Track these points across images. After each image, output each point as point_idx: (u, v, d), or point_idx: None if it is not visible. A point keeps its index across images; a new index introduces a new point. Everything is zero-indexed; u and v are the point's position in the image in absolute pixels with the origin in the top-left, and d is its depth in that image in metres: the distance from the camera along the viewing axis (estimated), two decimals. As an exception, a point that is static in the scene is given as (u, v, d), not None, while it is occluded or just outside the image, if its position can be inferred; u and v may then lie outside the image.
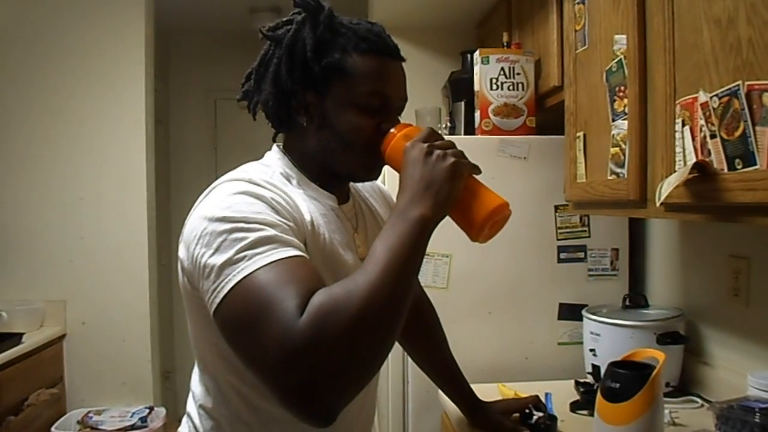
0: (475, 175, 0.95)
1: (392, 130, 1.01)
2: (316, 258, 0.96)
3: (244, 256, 0.82)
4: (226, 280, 0.82)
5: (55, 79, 3.05)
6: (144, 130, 3.11)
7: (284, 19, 1.06)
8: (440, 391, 1.52)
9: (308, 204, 1.01)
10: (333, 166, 1.05)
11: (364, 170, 1.07)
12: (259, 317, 0.78)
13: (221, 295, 0.82)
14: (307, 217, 0.98)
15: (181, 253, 0.93)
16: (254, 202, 0.89)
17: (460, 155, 0.92)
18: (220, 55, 4.16)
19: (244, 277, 0.81)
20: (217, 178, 0.99)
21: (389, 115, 1.04)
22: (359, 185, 1.21)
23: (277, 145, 1.11)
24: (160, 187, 3.56)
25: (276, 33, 1.04)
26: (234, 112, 4.21)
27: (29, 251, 3.03)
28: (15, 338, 2.66)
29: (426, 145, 0.91)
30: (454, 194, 0.90)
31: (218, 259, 0.84)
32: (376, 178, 1.11)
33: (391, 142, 1.00)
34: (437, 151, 0.90)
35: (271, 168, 1.04)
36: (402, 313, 0.82)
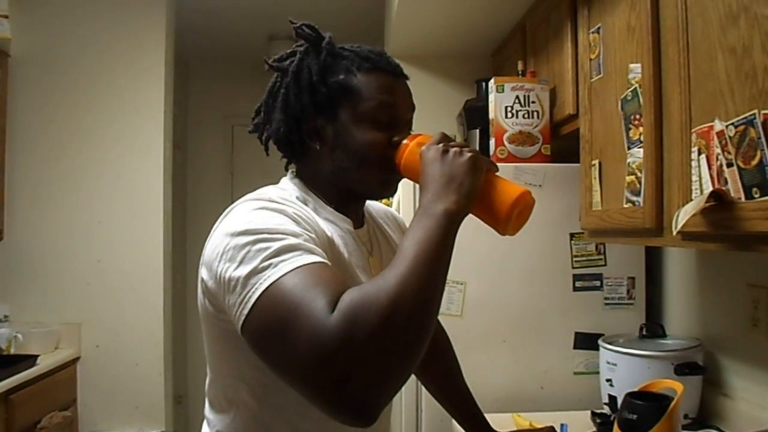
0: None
1: (405, 141, 1.02)
2: None
3: (270, 264, 0.82)
4: (253, 289, 0.82)
5: (75, 103, 3.10)
6: (162, 154, 3.15)
7: (288, 51, 1.09)
8: (454, 421, 1.50)
9: (327, 225, 1.02)
10: (350, 185, 1.06)
11: (381, 186, 1.08)
12: (290, 320, 0.77)
13: (249, 305, 0.81)
14: (328, 234, 0.99)
15: (203, 274, 0.94)
16: (275, 216, 0.90)
17: (476, 152, 0.93)
18: (238, 81, 4.22)
19: (271, 284, 0.81)
20: (232, 203, 1.00)
21: (400, 128, 1.05)
22: (373, 212, 1.22)
23: (291, 172, 1.12)
24: (177, 211, 3.59)
25: (282, 63, 1.07)
26: (250, 138, 4.19)
27: (46, 273, 3.06)
28: (29, 360, 2.67)
29: (441, 145, 0.93)
30: (476, 187, 0.90)
31: (243, 271, 0.83)
32: (393, 193, 1.12)
33: (405, 152, 1.00)
34: (453, 149, 0.92)
35: (287, 191, 1.06)
36: (434, 306, 0.82)
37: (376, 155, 1.03)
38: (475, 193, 0.90)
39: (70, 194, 3.09)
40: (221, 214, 0.99)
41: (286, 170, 1.14)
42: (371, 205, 1.24)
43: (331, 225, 1.03)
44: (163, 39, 3.17)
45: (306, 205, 1.04)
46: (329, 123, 1.04)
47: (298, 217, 0.92)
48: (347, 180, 1.06)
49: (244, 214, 0.91)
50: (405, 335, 0.77)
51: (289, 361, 0.78)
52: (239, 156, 4.47)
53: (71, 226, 3.08)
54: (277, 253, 0.83)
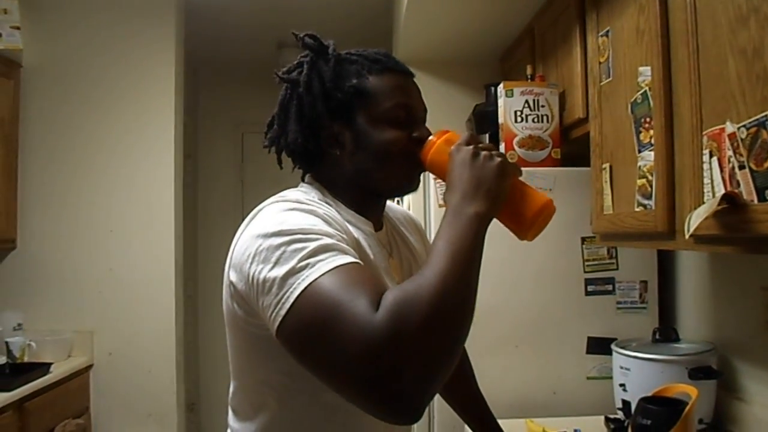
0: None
1: (431, 138, 1.03)
2: None
3: (307, 264, 0.82)
4: (291, 289, 0.81)
5: (86, 113, 3.13)
6: (173, 163, 3.17)
7: (295, 62, 1.09)
8: (467, 427, 1.50)
9: (350, 227, 1.02)
10: (375, 185, 1.07)
11: (406, 181, 1.08)
12: (333, 320, 0.77)
13: (287, 305, 0.81)
14: (355, 235, 0.99)
15: (232, 277, 0.92)
16: (307, 216, 0.90)
17: (504, 156, 0.94)
18: (248, 89, 4.24)
19: (310, 284, 0.80)
20: (243, 212, 1.00)
21: (418, 124, 1.06)
22: (391, 214, 1.22)
23: (309, 176, 1.12)
24: (188, 219, 3.61)
25: (291, 75, 1.08)
26: (261, 146, 4.26)
27: (59, 282, 3.08)
28: (43, 368, 2.69)
29: (472, 147, 0.93)
30: (504, 192, 0.92)
31: (279, 271, 0.83)
32: (417, 188, 1.11)
33: (432, 149, 1.01)
34: (484, 152, 0.92)
35: (310, 194, 1.05)
36: (472, 303, 0.83)
37: (398, 152, 1.04)
38: (503, 199, 0.92)
39: (83, 203, 3.11)
40: (232, 221, 0.99)
41: (303, 179, 1.14)
42: (389, 207, 1.24)
43: (353, 227, 1.03)
44: (173, 48, 3.20)
45: (331, 207, 1.03)
46: (346, 128, 1.04)
47: (328, 218, 0.93)
48: (371, 180, 1.06)
49: (275, 214, 0.91)
50: (449, 331, 0.78)
51: (334, 361, 0.77)
52: (250, 163, 4.49)
53: (83, 235, 3.10)
54: (314, 253, 0.83)
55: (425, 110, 1.10)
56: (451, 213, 0.88)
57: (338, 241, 0.87)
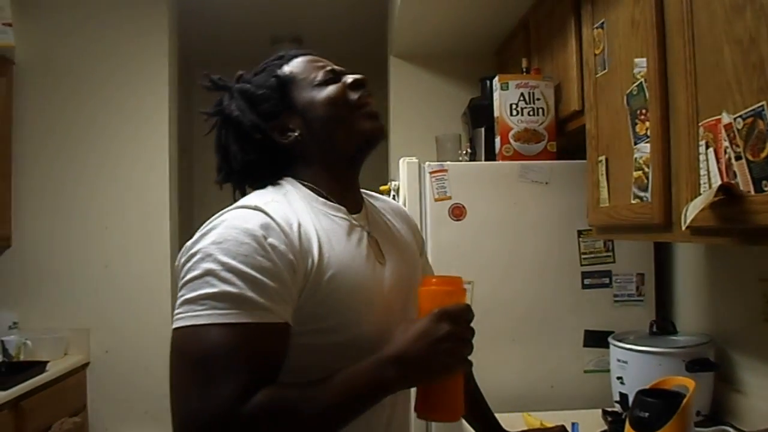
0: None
1: (434, 279, 1.02)
2: (330, 273, 0.95)
3: (205, 305, 0.85)
4: (183, 315, 0.86)
5: (80, 110, 3.12)
6: (168, 159, 3.16)
7: (214, 104, 1.14)
8: (464, 421, 1.49)
9: (318, 219, 1.01)
10: (341, 150, 1.08)
11: (367, 129, 1.08)
12: (203, 378, 0.82)
13: (175, 325, 0.87)
14: (314, 237, 0.97)
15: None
16: (244, 242, 0.89)
17: (467, 350, 0.92)
18: (243, 85, 4.22)
19: (199, 325, 0.84)
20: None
21: (345, 74, 1.10)
22: (377, 203, 1.21)
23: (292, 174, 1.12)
24: (183, 215, 3.60)
25: (218, 108, 1.13)
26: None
27: (54, 280, 3.07)
28: (39, 366, 2.68)
29: (447, 332, 0.89)
30: (435, 382, 0.93)
31: (185, 292, 0.88)
32: (380, 135, 1.10)
33: (430, 287, 0.99)
34: (449, 345, 0.89)
35: (278, 194, 1.04)
36: None
37: (343, 102, 1.06)
38: (426, 384, 0.94)
39: (77, 200, 3.10)
40: None
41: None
42: (377, 198, 1.24)
43: (324, 217, 1.02)
44: (166, 44, 3.18)
45: (299, 201, 1.03)
46: (290, 113, 1.07)
47: (274, 240, 0.91)
48: (335, 145, 1.07)
49: (222, 230, 0.91)
50: None
51: (179, 406, 0.84)
52: (245, 159, 4.46)
53: (78, 232, 3.09)
54: (218, 296, 0.85)
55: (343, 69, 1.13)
56: (376, 361, 0.89)
57: (256, 288, 0.87)
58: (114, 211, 3.11)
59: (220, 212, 0.98)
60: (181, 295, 0.88)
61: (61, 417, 2.75)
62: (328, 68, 1.10)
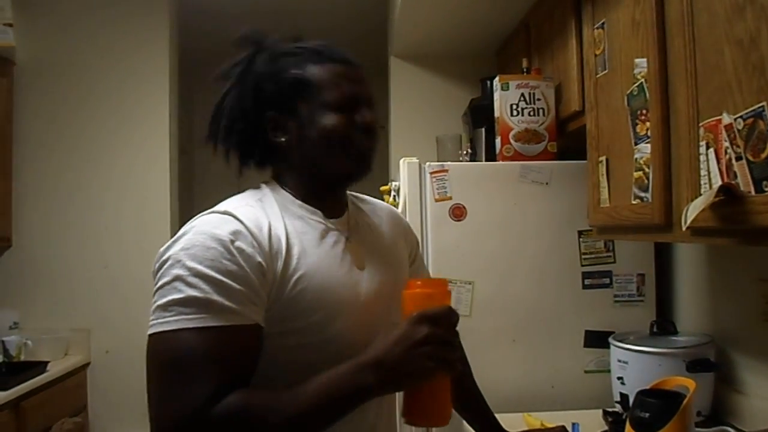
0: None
1: (419, 282, 1.00)
2: (299, 275, 0.96)
3: (173, 311, 0.87)
4: (154, 322, 0.88)
5: (80, 110, 3.12)
6: (168, 159, 3.16)
7: (237, 59, 1.11)
8: (464, 422, 1.49)
9: (291, 222, 1.01)
10: (323, 174, 1.07)
11: (353, 166, 1.07)
12: (175, 382, 0.84)
13: (148, 332, 0.89)
14: (283, 239, 0.97)
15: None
16: (211, 247, 0.91)
17: (448, 353, 0.90)
18: (243, 85, 4.22)
19: (169, 331, 0.86)
20: None
21: (360, 110, 1.05)
22: (364, 206, 1.21)
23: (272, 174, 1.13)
24: (184, 215, 3.59)
25: (232, 70, 1.11)
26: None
27: (54, 280, 3.07)
28: (40, 367, 2.68)
29: (425, 334, 0.88)
30: (410, 388, 0.93)
31: (156, 298, 0.90)
32: (366, 173, 1.09)
33: (413, 290, 0.97)
34: (427, 349, 0.87)
35: (253, 197, 1.05)
36: None
37: (340, 137, 1.03)
38: (407, 388, 0.93)
39: (77, 200, 3.10)
40: None
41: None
42: (368, 201, 1.24)
43: (298, 219, 1.03)
44: (166, 44, 3.18)
45: (273, 205, 1.03)
46: (291, 117, 1.05)
47: (242, 244, 0.92)
48: (318, 168, 1.06)
49: (191, 236, 0.93)
50: None
51: (154, 410, 0.86)
52: (245, 159, 4.47)
53: (78, 233, 3.09)
54: (185, 302, 0.87)
55: (370, 97, 1.08)
56: (355, 366, 0.88)
57: (223, 292, 0.88)
58: (114, 212, 3.11)
59: (193, 218, 0.99)
60: (154, 302, 0.90)
61: (61, 417, 2.74)
62: (348, 93, 1.04)
